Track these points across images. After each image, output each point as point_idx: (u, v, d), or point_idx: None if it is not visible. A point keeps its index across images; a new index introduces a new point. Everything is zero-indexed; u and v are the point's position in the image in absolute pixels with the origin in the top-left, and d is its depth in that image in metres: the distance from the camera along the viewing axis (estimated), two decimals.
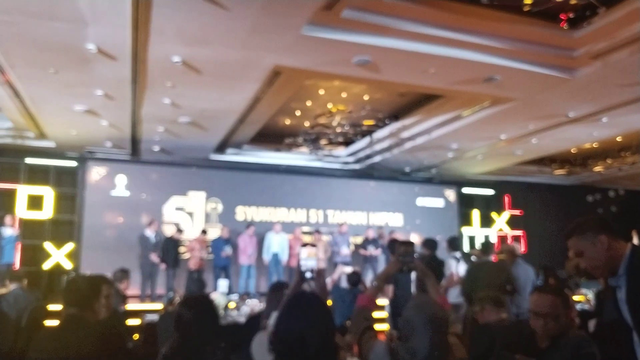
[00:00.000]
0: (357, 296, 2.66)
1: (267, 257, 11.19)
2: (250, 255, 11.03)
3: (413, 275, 6.67)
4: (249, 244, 11.09)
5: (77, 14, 4.81)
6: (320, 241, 11.43)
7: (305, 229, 12.27)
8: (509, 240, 13.52)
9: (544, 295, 2.74)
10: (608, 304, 4.57)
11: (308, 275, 2.84)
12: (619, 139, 10.21)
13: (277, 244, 11.31)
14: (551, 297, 2.69)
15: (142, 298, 9.73)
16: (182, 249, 10.72)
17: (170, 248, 10.32)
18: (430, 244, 7.02)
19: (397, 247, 2.61)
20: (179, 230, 10.77)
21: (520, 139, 9.73)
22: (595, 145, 10.85)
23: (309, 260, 2.86)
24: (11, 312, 5.33)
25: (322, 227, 12.51)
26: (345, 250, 11.60)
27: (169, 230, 10.99)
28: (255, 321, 4.82)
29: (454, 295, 6.61)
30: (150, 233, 10.20)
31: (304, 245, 2.97)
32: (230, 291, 9.74)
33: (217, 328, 2.78)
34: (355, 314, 2.52)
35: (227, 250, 10.74)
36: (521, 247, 8.71)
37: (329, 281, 8.27)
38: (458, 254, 7.26)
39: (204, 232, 10.95)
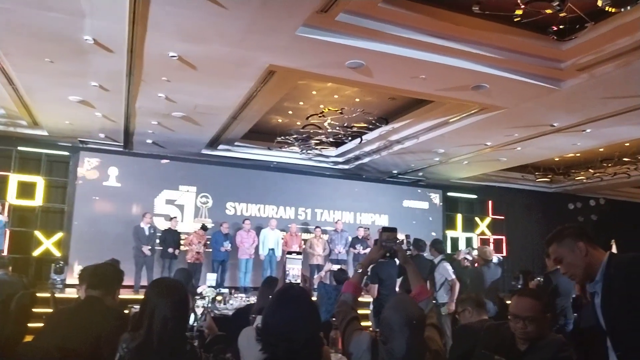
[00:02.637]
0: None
1: (263, 253, 11.30)
2: (247, 249, 11.13)
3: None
4: (246, 238, 11.20)
5: (75, 5, 4.82)
6: (320, 238, 11.57)
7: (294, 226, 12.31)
8: (491, 245, 13.73)
9: (523, 298, 2.77)
10: (586, 309, 4.70)
11: (293, 281, 2.95)
12: (601, 149, 10.39)
13: (272, 240, 11.42)
14: (531, 300, 2.73)
15: (135, 289, 9.78)
16: (181, 241, 10.81)
17: (169, 239, 10.45)
18: (418, 244, 7.31)
19: (380, 234, 2.63)
20: (170, 219, 10.89)
21: (505, 146, 9.89)
22: (578, 154, 11.01)
23: (294, 268, 2.96)
24: None
25: (310, 226, 12.62)
26: (341, 248, 11.72)
27: (159, 222, 11.07)
28: (242, 314, 4.92)
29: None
30: (144, 225, 10.34)
31: (290, 253, 3.07)
32: (218, 284, 9.81)
33: (186, 325, 2.40)
34: (340, 302, 2.50)
35: (227, 245, 10.89)
36: (493, 251, 9.01)
37: (316, 278, 8.39)
38: (443, 257, 7.44)
39: (204, 227, 11.01)
